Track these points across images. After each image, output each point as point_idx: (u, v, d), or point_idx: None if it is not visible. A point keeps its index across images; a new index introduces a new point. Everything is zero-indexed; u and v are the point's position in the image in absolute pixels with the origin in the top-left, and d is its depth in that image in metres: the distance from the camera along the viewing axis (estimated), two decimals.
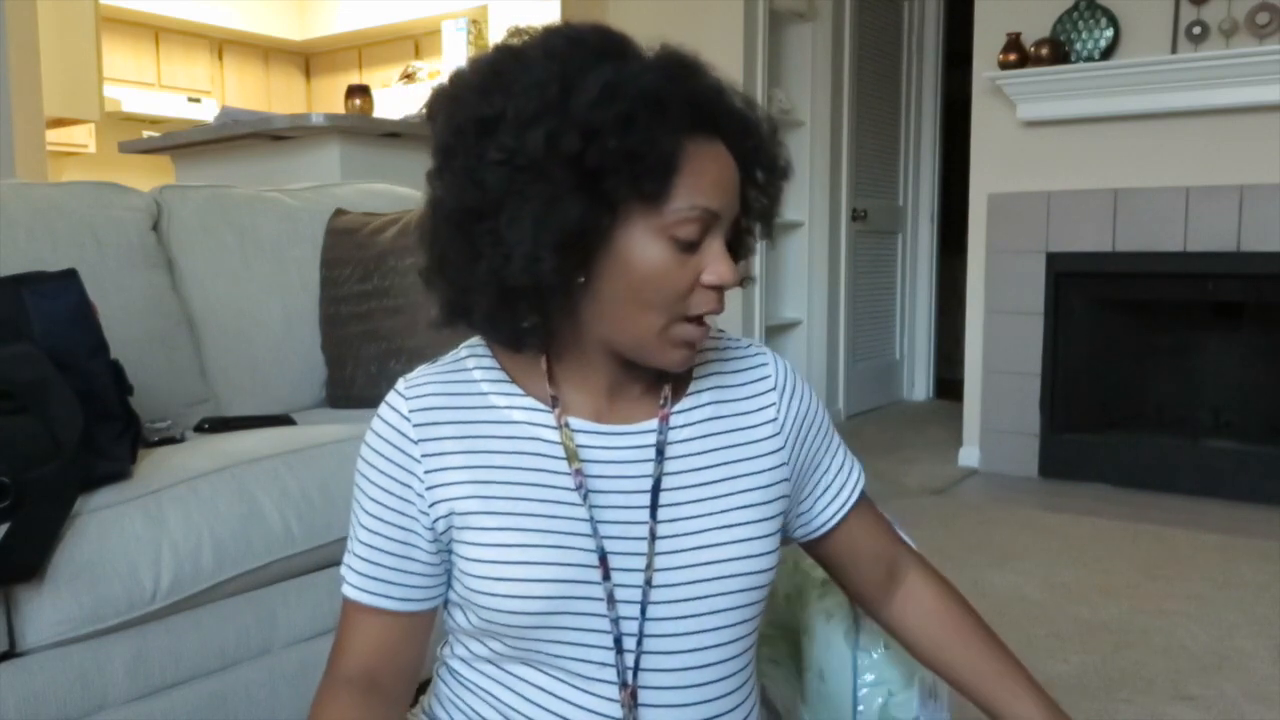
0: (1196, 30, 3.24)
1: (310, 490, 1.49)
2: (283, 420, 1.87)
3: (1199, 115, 3.27)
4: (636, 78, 0.78)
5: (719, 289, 0.83)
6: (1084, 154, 3.49)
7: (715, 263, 0.82)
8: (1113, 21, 3.40)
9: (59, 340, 1.37)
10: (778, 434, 0.94)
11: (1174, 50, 3.28)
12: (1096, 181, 3.47)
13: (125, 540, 1.28)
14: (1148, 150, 3.38)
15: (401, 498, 0.86)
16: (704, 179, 0.80)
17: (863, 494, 1.01)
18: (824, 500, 0.99)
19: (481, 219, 0.79)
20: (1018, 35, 3.52)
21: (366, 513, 0.88)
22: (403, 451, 0.86)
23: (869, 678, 1.11)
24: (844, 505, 0.99)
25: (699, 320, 0.84)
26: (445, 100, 0.83)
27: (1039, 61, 3.44)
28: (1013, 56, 3.51)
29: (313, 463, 1.53)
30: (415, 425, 0.86)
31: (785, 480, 0.94)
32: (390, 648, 0.88)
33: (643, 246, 0.80)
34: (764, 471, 0.92)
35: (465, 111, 0.80)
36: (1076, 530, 2.95)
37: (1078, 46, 3.44)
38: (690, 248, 0.81)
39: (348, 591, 0.88)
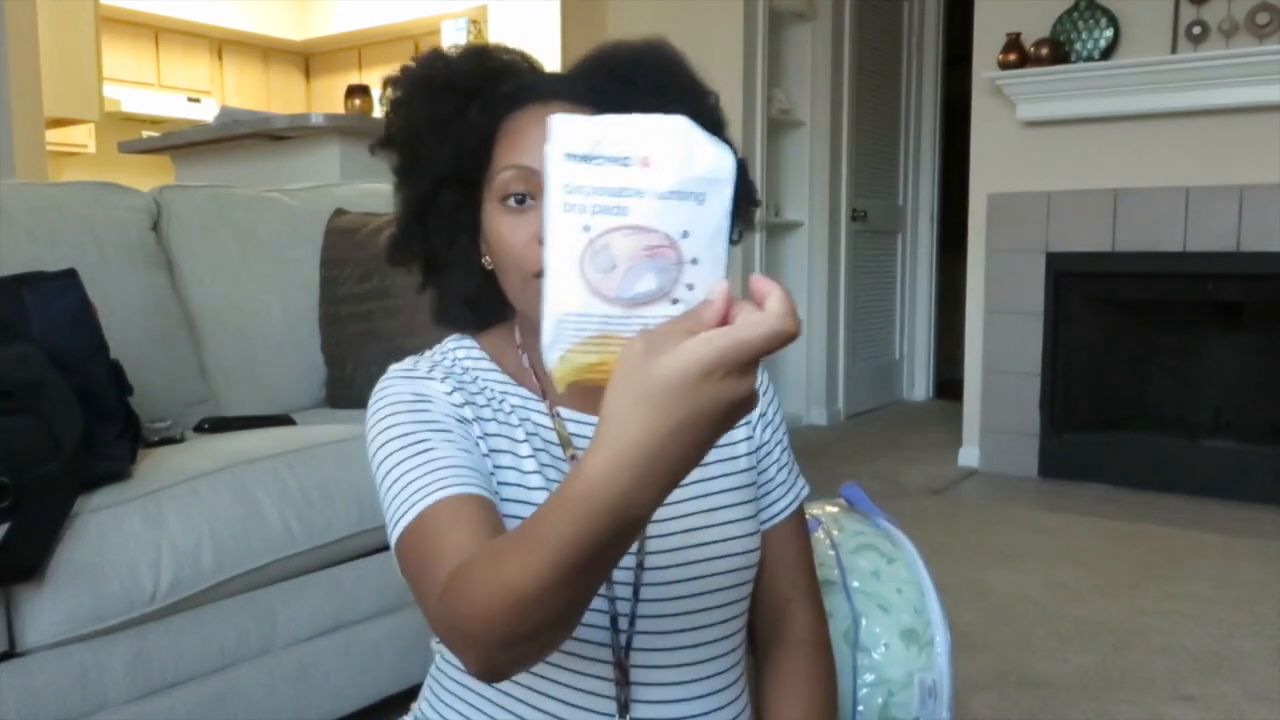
0: (1196, 30, 3.24)
1: (310, 490, 1.49)
2: (283, 420, 1.87)
3: (1199, 115, 3.27)
4: (424, 66, 0.87)
5: None
6: (1084, 154, 3.49)
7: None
8: (1113, 21, 3.40)
9: (59, 340, 1.37)
10: (748, 423, 0.98)
11: (1174, 50, 3.28)
12: (1096, 181, 3.47)
13: (125, 540, 1.28)
14: (1148, 150, 3.38)
15: (459, 420, 0.83)
16: (521, 140, 0.84)
17: (787, 521, 0.99)
18: (761, 504, 0.99)
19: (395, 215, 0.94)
20: (1018, 35, 3.52)
21: (420, 438, 0.80)
22: (443, 393, 0.84)
23: (869, 678, 1.11)
24: (771, 519, 0.99)
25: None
26: None
27: (1039, 61, 3.44)
28: (1013, 56, 3.51)
29: (313, 463, 1.53)
30: (441, 380, 0.86)
31: (754, 469, 0.97)
32: (491, 527, 0.75)
33: (492, 217, 0.85)
34: (739, 457, 0.95)
35: None
36: (1076, 530, 2.95)
37: (1078, 46, 3.44)
38: (520, 202, 0.84)
39: (424, 504, 0.76)
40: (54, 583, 1.21)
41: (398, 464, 0.80)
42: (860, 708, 1.10)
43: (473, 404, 0.86)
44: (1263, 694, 1.87)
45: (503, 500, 0.83)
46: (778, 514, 0.99)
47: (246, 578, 1.41)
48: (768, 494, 0.99)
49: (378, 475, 0.82)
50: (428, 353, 0.93)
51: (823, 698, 0.97)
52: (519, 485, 0.85)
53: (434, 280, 0.93)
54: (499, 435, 0.86)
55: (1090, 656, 2.03)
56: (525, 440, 0.87)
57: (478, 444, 0.84)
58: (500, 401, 0.88)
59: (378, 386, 0.88)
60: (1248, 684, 1.91)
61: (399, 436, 0.81)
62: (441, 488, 0.77)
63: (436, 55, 0.89)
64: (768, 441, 0.99)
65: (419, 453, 0.80)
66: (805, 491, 1.03)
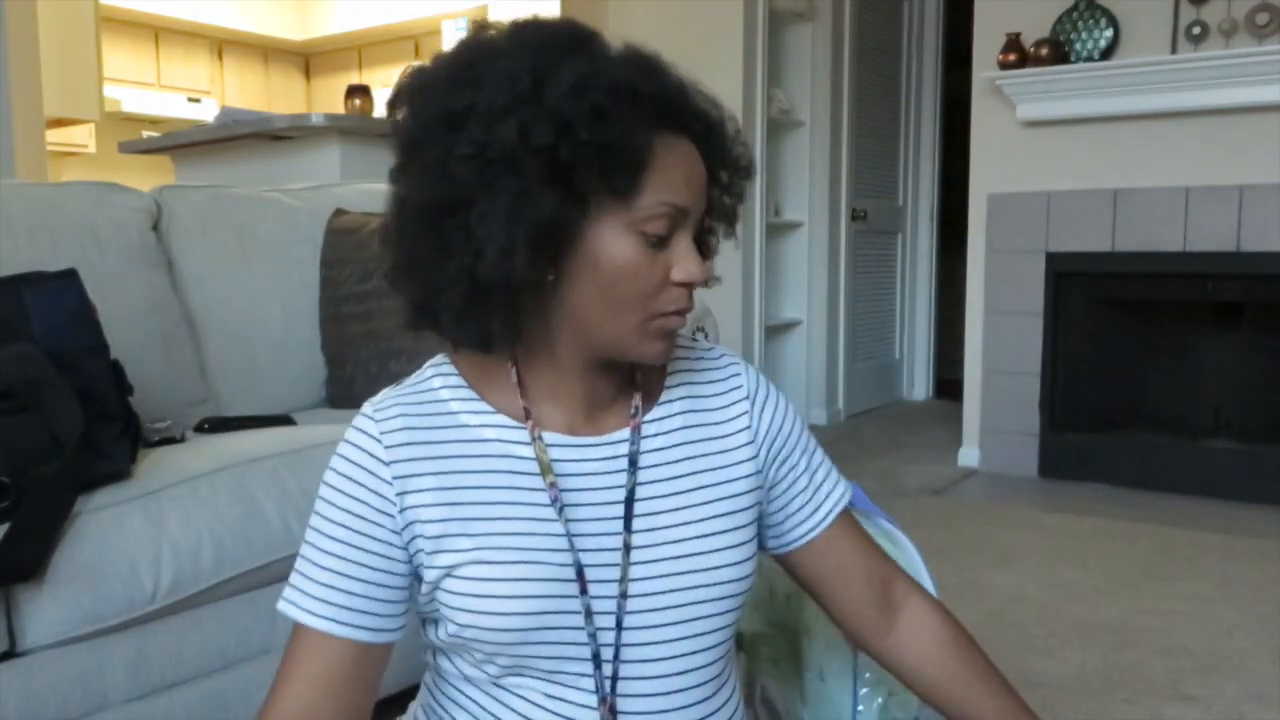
0: (1196, 30, 3.24)
1: (310, 490, 1.49)
2: (283, 420, 1.87)
3: (1199, 115, 3.27)
4: (608, 71, 0.78)
5: (688, 286, 0.83)
6: (1084, 154, 3.49)
7: (684, 260, 0.82)
8: (1112, 21, 3.40)
9: (59, 340, 1.37)
10: (751, 443, 0.94)
11: (1174, 50, 3.28)
12: (1096, 181, 3.47)
13: (125, 540, 1.28)
14: (1148, 150, 3.38)
15: (373, 521, 0.83)
16: (673, 175, 0.80)
17: (844, 512, 0.98)
18: (800, 515, 0.97)
19: (451, 214, 0.78)
20: (1018, 35, 3.52)
21: (331, 537, 0.83)
22: (374, 474, 0.83)
23: (869, 677, 1.11)
24: (821, 521, 0.97)
25: (674, 313, 0.83)
26: (410, 94, 0.82)
27: (1039, 61, 3.44)
28: (1012, 56, 3.51)
29: (313, 463, 1.52)
30: (386, 447, 0.83)
31: (759, 489, 0.94)
32: (339, 682, 0.83)
33: (613, 243, 0.79)
34: (738, 480, 0.92)
35: (433, 105, 0.79)
36: (1076, 530, 2.95)
37: (1077, 46, 3.44)
38: (659, 244, 0.81)
39: (303, 618, 0.83)
40: (54, 583, 1.21)
41: (315, 549, 0.84)
42: (860, 708, 1.11)
43: (429, 459, 0.84)
44: (1263, 694, 1.87)
45: (466, 535, 0.82)
46: (825, 516, 0.97)
47: (246, 578, 1.41)
48: (809, 501, 0.96)
49: (306, 532, 0.86)
50: (407, 383, 0.89)
51: (969, 635, 0.99)
52: (482, 519, 0.83)
53: (483, 298, 0.80)
54: (463, 487, 0.83)
55: (1090, 656, 2.03)
56: (497, 473, 0.84)
57: (403, 534, 0.83)
58: (475, 433, 0.86)
59: (345, 435, 0.86)
60: (1248, 684, 1.91)
61: (327, 521, 0.84)
62: (321, 615, 0.83)
63: (598, 47, 0.81)
64: (778, 457, 0.96)
65: (333, 554, 0.83)
66: (846, 494, 1.00)
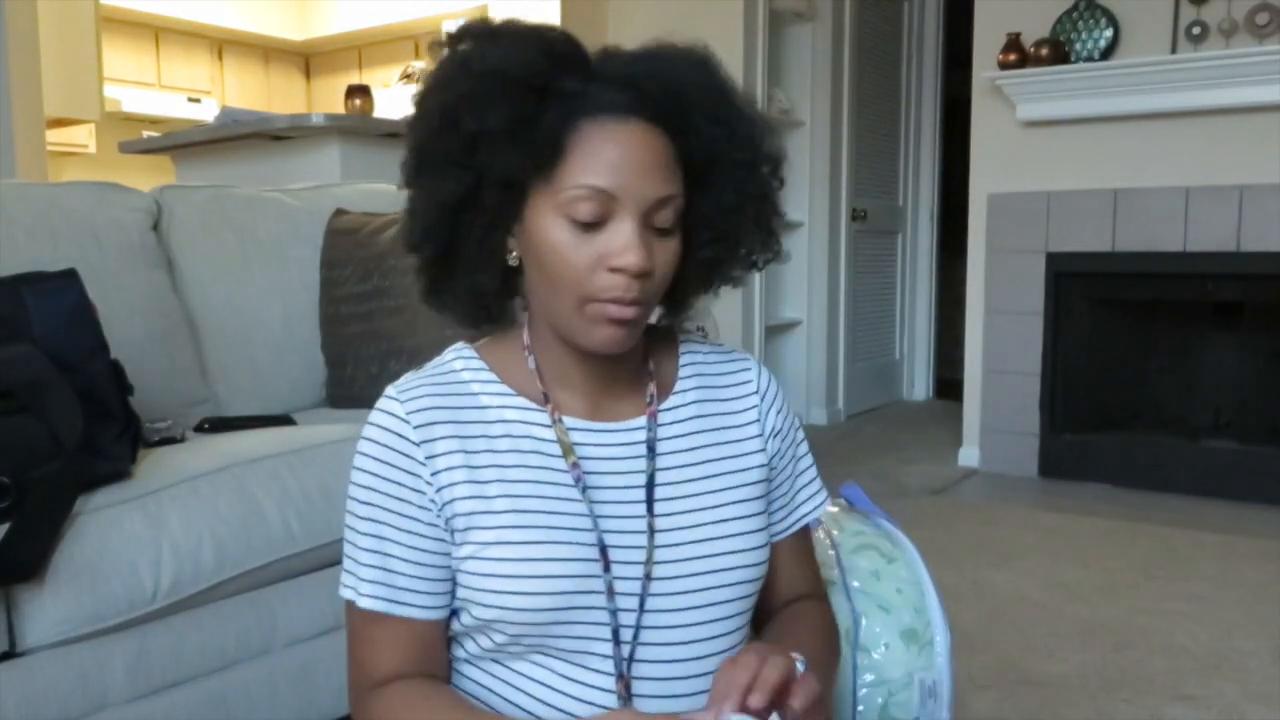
0: (1196, 30, 3.24)
1: (310, 490, 1.50)
2: (283, 420, 1.87)
3: (1199, 115, 3.27)
4: (497, 56, 0.80)
5: (623, 272, 0.81)
6: (1084, 154, 3.49)
7: (618, 245, 0.80)
8: (1112, 21, 3.40)
9: (59, 340, 1.37)
10: (760, 436, 0.97)
11: (1174, 50, 3.28)
12: (1096, 181, 3.47)
13: (125, 540, 1.28)
14: (1148, 150, 3.38)
15: (414, 503, 0.85)
16: (597, 159, 0.80)
17: (806, 527, 1.01)
18: (773, 519, 0.99)
19: (412, 198, 0.87)
20: (1018, 35, 3.52)
21: (377, 521, 0.85)
22: (407, 456, 0.85)
23: (869, 678, 1.11)
24: (785, 530, 1.00)
25: (612, 300, 0.82)
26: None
27: (1039, 61, 3.44)
28: (1013, 56, 3.51)
29: (313, 463, 1.53)
30: (415, 427, 0.85)
31: (767, 481, 0.96)
32: (419, 653, 0.87)
33: (545, 224, 0.82)
34: (750, 469, 0.95)
35: (413, 102, 0.88)
36: (1076, 530, 2.95)
37: (1077, 46, 3.44)
38: (589, 228, 0.81)
39: (366, 604, 0.85)
40: (54, 582, 1.21)
41: (360, 534, 0.86)
42: (860, 708, 1.11)
43: (455, 437, 0.85)
44: (1263, 694, 1.87)
45: (491, 513, 0.84)
46: (789, 527, 1.00)
47: (247, 577, 1.41)
48: (782, 505, 0.99)
49: (346, 518, 0.88)
50: (428, 367, 0.92)
51: (829, 630, 0.99)
52: (506, 497, 0.85)
53: (449, 274, 0.88)
54: (487, 466, 0.85)
55: (1090, 656, 2.03)
56: (520, 452, 0.87)
57: (440, 513, 0.84)
58: (498, 414, 0.88)
59: (370, 418, 0.88)
60: (1248, 684, 1.91)
61: (366, 505, 0.86)
62: (380, 596, 0.85)
63: (496, 38, 0.83)
64: (785, 463, 0.99)
65: (377, 536, 0.86)
66: (820, 508, 1.02)
